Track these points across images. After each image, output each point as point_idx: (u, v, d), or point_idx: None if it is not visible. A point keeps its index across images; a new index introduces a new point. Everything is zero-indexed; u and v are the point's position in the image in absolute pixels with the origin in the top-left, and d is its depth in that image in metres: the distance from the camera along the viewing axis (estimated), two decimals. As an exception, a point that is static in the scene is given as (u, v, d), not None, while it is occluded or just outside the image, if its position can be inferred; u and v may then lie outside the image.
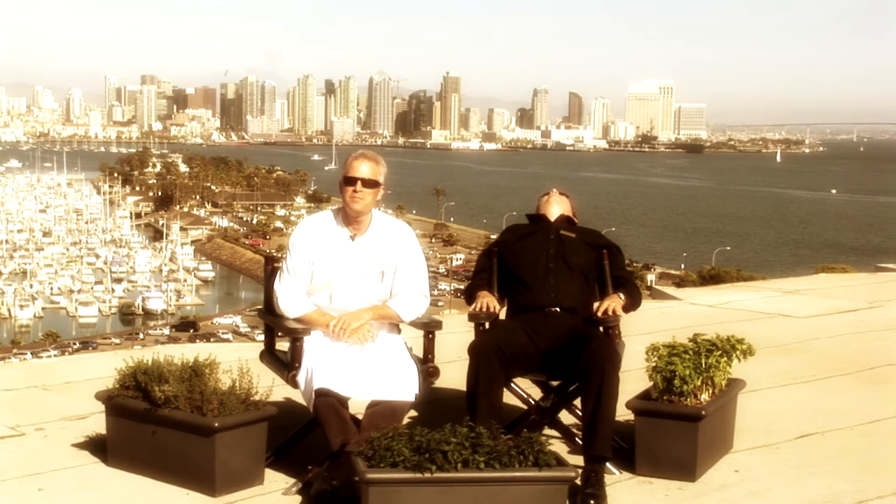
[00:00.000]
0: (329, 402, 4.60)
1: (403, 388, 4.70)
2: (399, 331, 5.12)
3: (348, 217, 5.02)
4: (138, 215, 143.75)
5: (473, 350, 5.03)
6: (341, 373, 4.66)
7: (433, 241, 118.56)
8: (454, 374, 5.62)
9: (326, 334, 4.88)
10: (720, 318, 9.46)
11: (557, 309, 5.30)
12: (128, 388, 4.83)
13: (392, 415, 4.59)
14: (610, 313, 5.23)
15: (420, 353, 5.07)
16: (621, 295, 5.32)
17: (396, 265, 5.00)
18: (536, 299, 5.33)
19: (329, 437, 4.59)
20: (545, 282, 5.34)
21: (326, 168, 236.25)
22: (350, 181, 4.93)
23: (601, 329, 5.25)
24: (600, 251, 5.50)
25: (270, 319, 5.22)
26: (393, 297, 5.02)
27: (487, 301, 5.35)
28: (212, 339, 64.28)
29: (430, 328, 5.07)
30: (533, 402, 5.30)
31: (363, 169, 4.95)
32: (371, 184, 4.94)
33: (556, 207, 5.62)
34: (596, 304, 5.34)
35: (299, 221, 5.49)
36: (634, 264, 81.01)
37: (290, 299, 4.99)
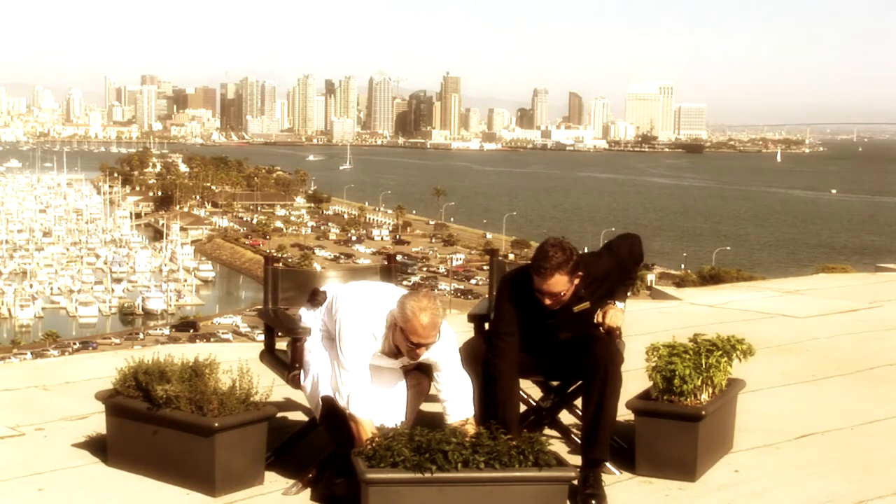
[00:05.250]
0: (337, 409, 4.60)
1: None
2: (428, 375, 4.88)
3: (399, 345, 4.63)
4: (138, 215, 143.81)
5: (492, 361, 4.89)
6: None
7: (433, 241, 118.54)
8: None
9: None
10: (720, 318, 9.46)
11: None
12: (128, 388, 4.84)
13: None
14: (613, 327, 5.09)
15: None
16: (619, 304, 5.17)
17: (432, 365, 4.74)
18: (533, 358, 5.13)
19: (334, 441, 4.63)
20: (549, 348, 5.13)
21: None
22: (414, 343, 4.54)
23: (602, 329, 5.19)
24: (608, 285, 5.11)
25: (270, 319, 5.22)
26: (448, 407, 4.71)
27: None
28: (212, 339, 64.30)
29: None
30: (533, 402, 5.29)
31: (430, 336, 4.52)
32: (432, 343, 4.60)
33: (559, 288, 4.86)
34: (598, 316, 5.13)
35: (350, 313, 4.67)
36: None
37: (364, 400, 4.57)
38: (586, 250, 5.35)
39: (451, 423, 4.64)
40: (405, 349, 4.57)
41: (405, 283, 50.98)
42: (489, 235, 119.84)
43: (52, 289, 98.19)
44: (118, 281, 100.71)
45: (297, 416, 5.75)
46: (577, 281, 4.89)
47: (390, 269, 5.53)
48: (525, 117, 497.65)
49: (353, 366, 4.58)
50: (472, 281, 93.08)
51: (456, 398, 4.71)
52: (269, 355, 5.34)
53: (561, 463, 4.06)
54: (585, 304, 5.01)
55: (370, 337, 4.60)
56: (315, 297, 4.96)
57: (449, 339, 4.71)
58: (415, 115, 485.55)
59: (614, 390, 4.85)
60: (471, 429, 4.51)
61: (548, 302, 4.85)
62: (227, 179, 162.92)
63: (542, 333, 5.03)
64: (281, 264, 5.08)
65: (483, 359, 4.93)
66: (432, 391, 4.85)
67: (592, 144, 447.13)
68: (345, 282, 5.27)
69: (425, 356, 4.65)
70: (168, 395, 4.65)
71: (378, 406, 4.63)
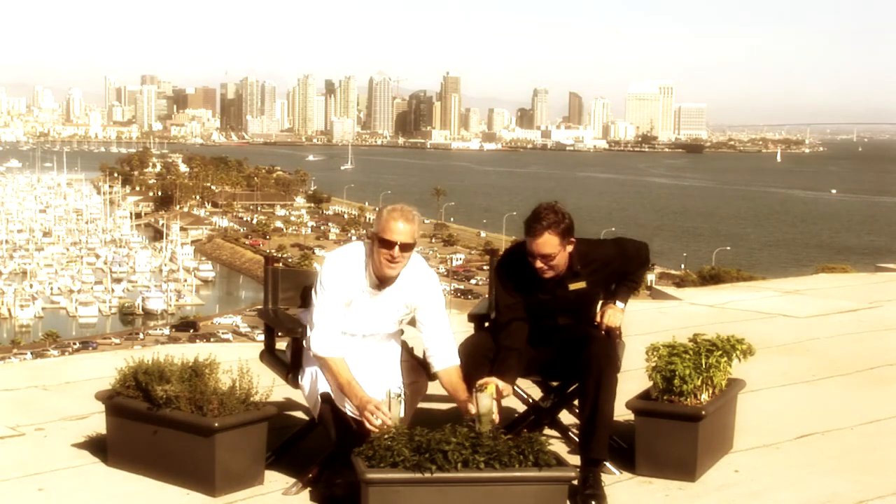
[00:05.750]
0: (335, 407, 4.61)
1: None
2: (401, 333, 5.00)
3: (377, 272, 4.64)
4: (138, 215, 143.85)
5: (498, 323, 4.98)
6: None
7: (433, 241, 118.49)
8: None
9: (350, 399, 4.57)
10: (720, 318, 9.46)
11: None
12: (128, 388, 4.84)
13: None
14: (612, 327, 5.11)
15: (420, 353, 5.07)
16: (620, 304, 5.18)
17: (417, 308, 4.76)
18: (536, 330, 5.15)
19: (334, 441, 4.62)
20: (549, 335, 5.14)
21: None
22: (387, 244, 4.52)
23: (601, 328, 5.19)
24: (606, 273, 5.12)
25: (270, 319, 5.22)
26: (435, 355, 4.75)
27: (501, 390, 4.68)
28: (212, 339, 64.29)
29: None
30: (533, 402, 5.29)
31: (403, 231, 4.50)
32: (409, 247, 4.56)
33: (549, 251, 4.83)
34: (597, 316, 5.17)
35: (331, 255, 4.79)
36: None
37: (327, 338, 4.59)
38: None
39: (439, 371, 4.73)
40: (382, 259, 4.54)
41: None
42: (483, 234, 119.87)
43: (52, 289, 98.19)
44: (118, 281, 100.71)
45: (297, 416, 5.76)
46: (569, 248, 4.88)
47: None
48: (525, 117, 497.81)
49: (323, 300, 4.61)
50: (472, 281, 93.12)
51: (440, 344, 4.76)
52: (269, 355, 5.34)
53: (561, 463, 4.06)
54: (581, 284, 5.00)
55: (346, 269, 4.63)
56: (306, 295, 5.01)
57: (431, 278, 4.78)
58: (415, 115, 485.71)
59: (610, 389, 4.83)
60: (457, 379, 4.65)
61: (539, 264, 4.85)
62: (227, 179, 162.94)
63: (540, 315, 5.01)
64: (281, 264, 5.07)
65: (485, 349, 4.94)
66: (422, 363, 4.85)
67: (592, 144, 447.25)
68: None
69: (409, 298, 4.70)
70: (168, 395, 4.65)
71: (370, 381, 4.59)
